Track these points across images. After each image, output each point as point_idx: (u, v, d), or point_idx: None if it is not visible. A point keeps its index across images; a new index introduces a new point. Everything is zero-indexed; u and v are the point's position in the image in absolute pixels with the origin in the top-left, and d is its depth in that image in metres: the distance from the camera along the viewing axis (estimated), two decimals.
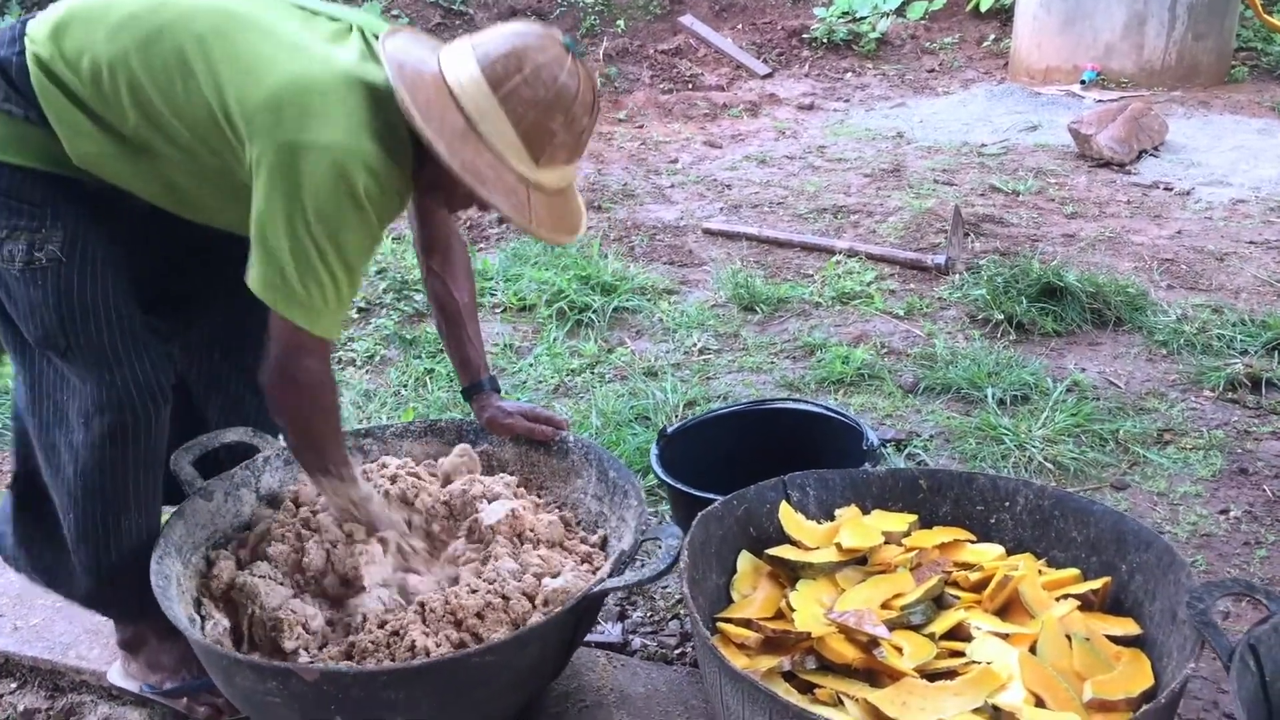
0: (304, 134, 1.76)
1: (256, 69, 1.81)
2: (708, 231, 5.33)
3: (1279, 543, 3.04)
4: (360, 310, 4.60)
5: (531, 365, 4.15)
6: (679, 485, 2.32)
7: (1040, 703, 1.75)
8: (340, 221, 1.79)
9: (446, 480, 2.25)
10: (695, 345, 4.27)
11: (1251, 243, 5.00)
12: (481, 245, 5.39)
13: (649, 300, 4.63)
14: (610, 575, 1.86)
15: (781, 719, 1.55)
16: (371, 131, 1.80)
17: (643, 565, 1.85)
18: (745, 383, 3.95)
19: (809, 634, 1.85)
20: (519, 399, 3.80)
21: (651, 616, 2.57)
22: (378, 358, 4.27)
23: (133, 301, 1.99)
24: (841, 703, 1.80)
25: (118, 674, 2.19)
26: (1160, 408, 3.70)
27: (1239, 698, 1.53)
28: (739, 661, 1.82)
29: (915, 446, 3.48)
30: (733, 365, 4.11)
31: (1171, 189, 5.71)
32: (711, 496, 2.19)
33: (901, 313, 4.42)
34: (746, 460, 2.49)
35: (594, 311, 4.45)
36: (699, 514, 2.00)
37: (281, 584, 1.97)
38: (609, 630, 2.49)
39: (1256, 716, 1.59)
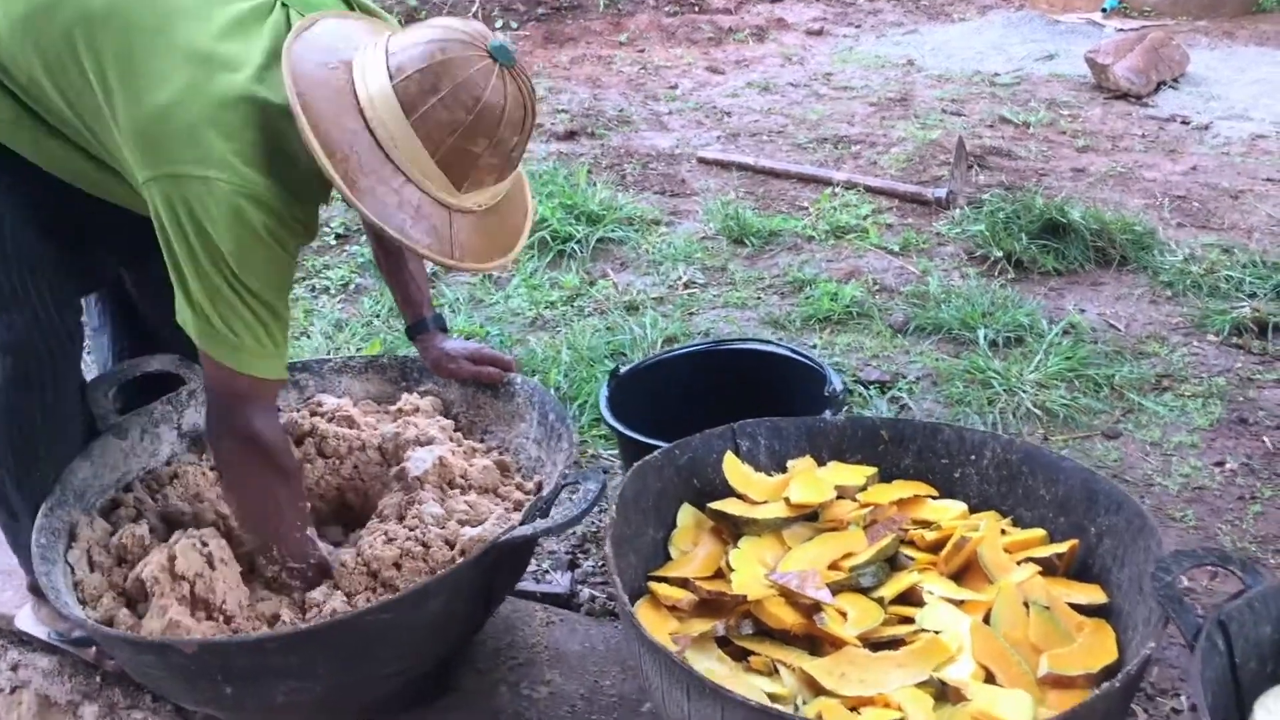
0: (188, 167, 1.58)
1: (140, 80, 1.62)
2: (702, 160, 5.14)
3: (1275, 498, 2.89)
4: (338, 236, 4.45)
5: (508, 297, 4.00)
6: (626, 430, 2.18)
7: (990, 677, 1.62)
8: (243, 259, 1.62)
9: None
10: (681, 279, 4.11)
11: (1269, 180, 4.78)
12: None
13: (636, 231, 4.47)
14: (523, 523, 1.73)
15: (698, 694, 1.42)
16: (263, 163, 1.61)
17: (566, 508, 1.71)
18: (729, 319, 3.80)
19: (745, 597, 1.71)
20: (486, 335, 3.66)
21: (602, 566, 2.45)
22: (352, 285, 4.13)
23: (44, 240, 1.84)
24: (777, 672, 1.68)
25: (27, 619, 2.09)
26: (1160, 352, 3.53)
27: (1201, 680, 1.40)
28: (668, 625, 1.70)
29: (899, 389, 3.33)
30: (718, 300, 3.95)
31: (1189, 123, 5.47)
32: (660, 444, 2.05)
33: (896, 248, 4.24)
34: (704, 404, 2.34)
35: (577, 242, 4.29)
36: (635, 465, 1.86)
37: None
38: (557, 580, 2.37)
39: (1221, 701, 1.45)
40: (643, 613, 1.70)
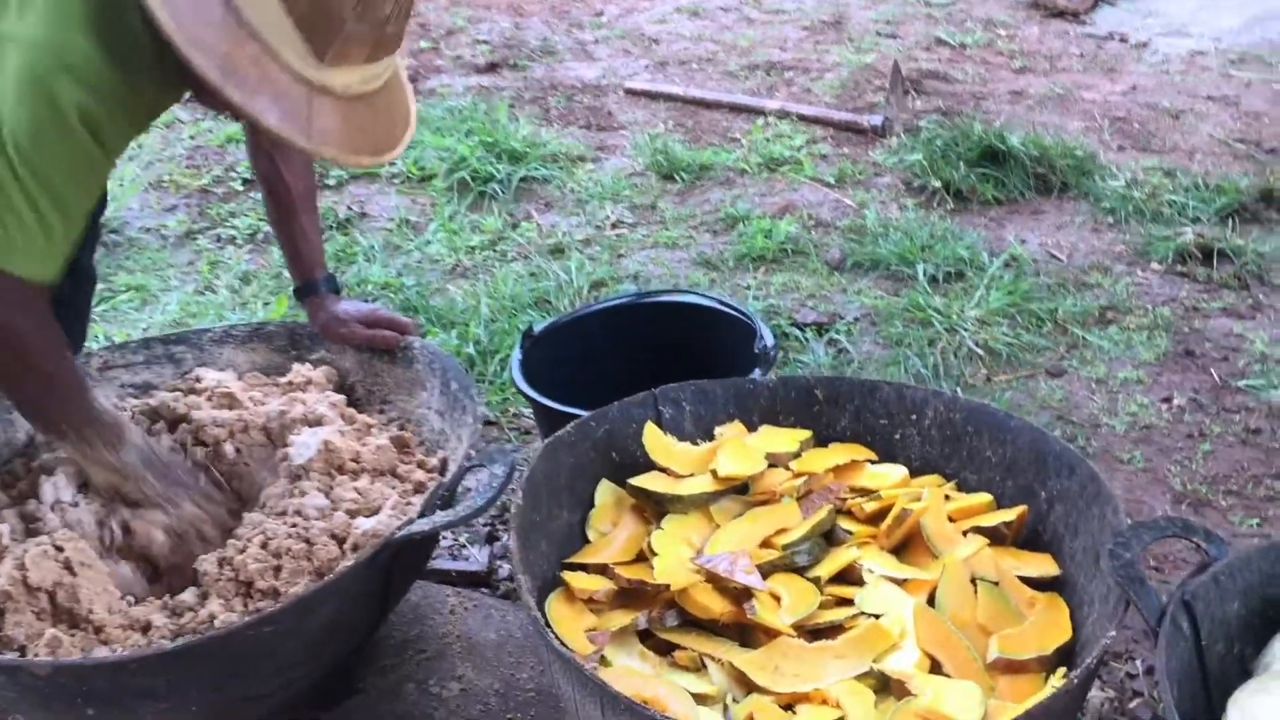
0: None
1: None
2: (630, 92, 4.91)
3: (1224, 435, 2.79)
4: (244, 181, 4.19)
5: (427, 243, 3.79)
6: (541, 398, 2.01)
7: (936, 666, 1.48)
8: (40, 143, 1.39)
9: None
10: (609, 218, 3.92)
11: (1209, 98, 4.66)
12: None
13: (561, 169, 4.25)
14: (421, 515, 1.55)
15: (613, 710, 1.27)
16: (85, 22, 1.38)
17: (469, 499, 1.54)
18: (659, 260, 3.63)
19: (669, 586, 1.56)
20: (402, 286, 3.45)
21: None
22: (260, 235, 3.88)
23: None
24: (705, 668, 1.53)
25: None
26: (1103, 283, 3.41)
27: (1167, 670, 1.26)
28: (583, 621, 1.54)
29: (837, 331, 3.17)
30: (647, 240, 3.77)
31: (1127, 40, 5.32)
32: (579, 412, 1.88)
33: (832, 180, 4.07)
34: (628, 363, 2.18)
35: (499, 182, 4.07)
36: (546, 442, 1.68)
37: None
38: (475, 556, 2.21)
39: (1188, 690, 1.32)
40: (555, 608, 1.54)
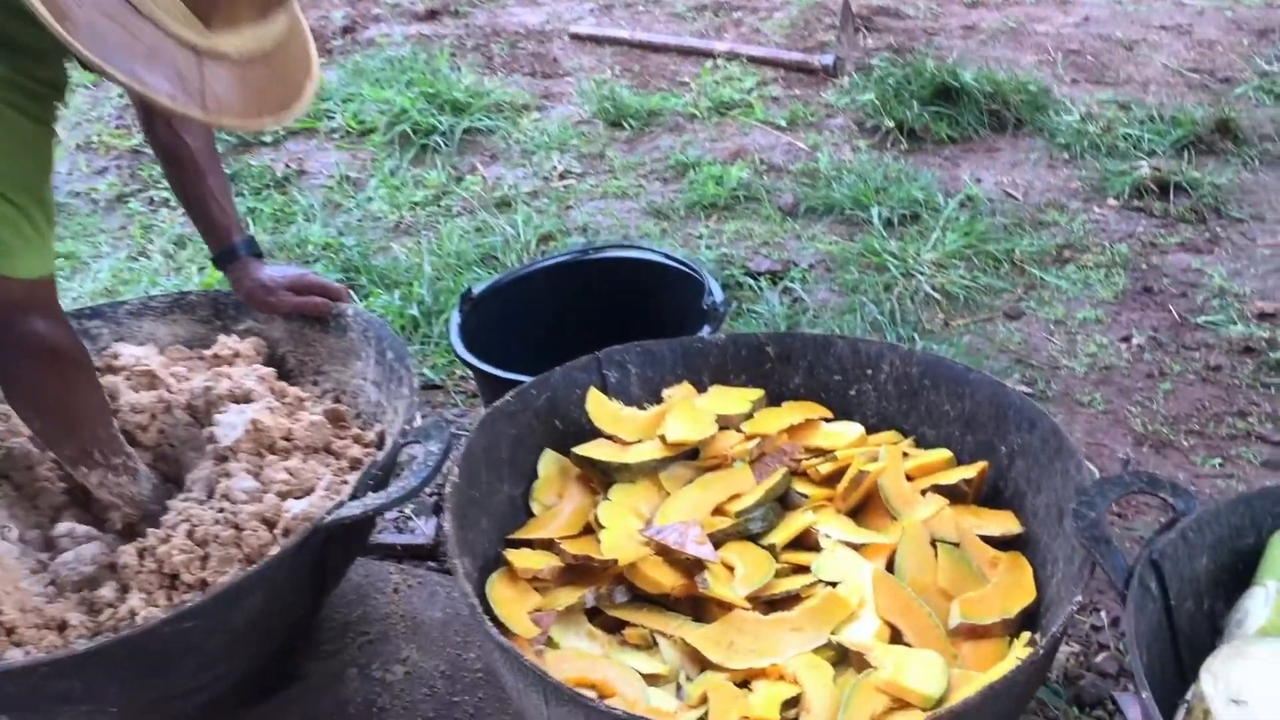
0: None
1: None
2: (575, 37, 4.78)
3: (1184, 373, 2.75)
4: None
5: (369, 199, 3.66)
6: (481, 365, 1.92)
7: (897, 635, 1.42)
8: None
9: None
10: (556, 169, 3.81)
11: (1162, 27, 4.59)
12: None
13: (506, 119, 4.13)
14: (354, 497, 1.46)
15: (557, 700, 1.20)
16: None
17: (404, 478, 1.45)
18: (608, 211, 3.53)
19: (616, 561, 1.48)
20: (342, 246, 3.33)
21: None
22: None
23: None
24: (656, 645, 1.46)
25: None
26: (1060, 221, 3.35)
27: (1135, 634, 1.21)
28: (528, 601, 1.46)
29: (792, 279, 3.10)
30: (596, 191, 3.67)
31: None
32: (520, 378, 1.80)
33: (783, 123, 3.97)
34: (573, 323, 2.09)
35: (442, 134, 3.94)
36: (484, 414, 1.60)
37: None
38: (421, 529, 2.13)
39: (1156, 652, 1.27)
40: (498, 589, 1.46)
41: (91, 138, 4.11)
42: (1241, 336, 2.84)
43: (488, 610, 1.42)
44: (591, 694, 1.38)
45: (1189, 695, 1.16)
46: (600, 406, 1.69)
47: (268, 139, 3.99)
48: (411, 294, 3.04)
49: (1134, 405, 2.65)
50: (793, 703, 1.35)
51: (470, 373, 2.60)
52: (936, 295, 3.03)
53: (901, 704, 1.32)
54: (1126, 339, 2.89)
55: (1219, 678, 1.14)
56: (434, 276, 3.11)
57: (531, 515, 1.64)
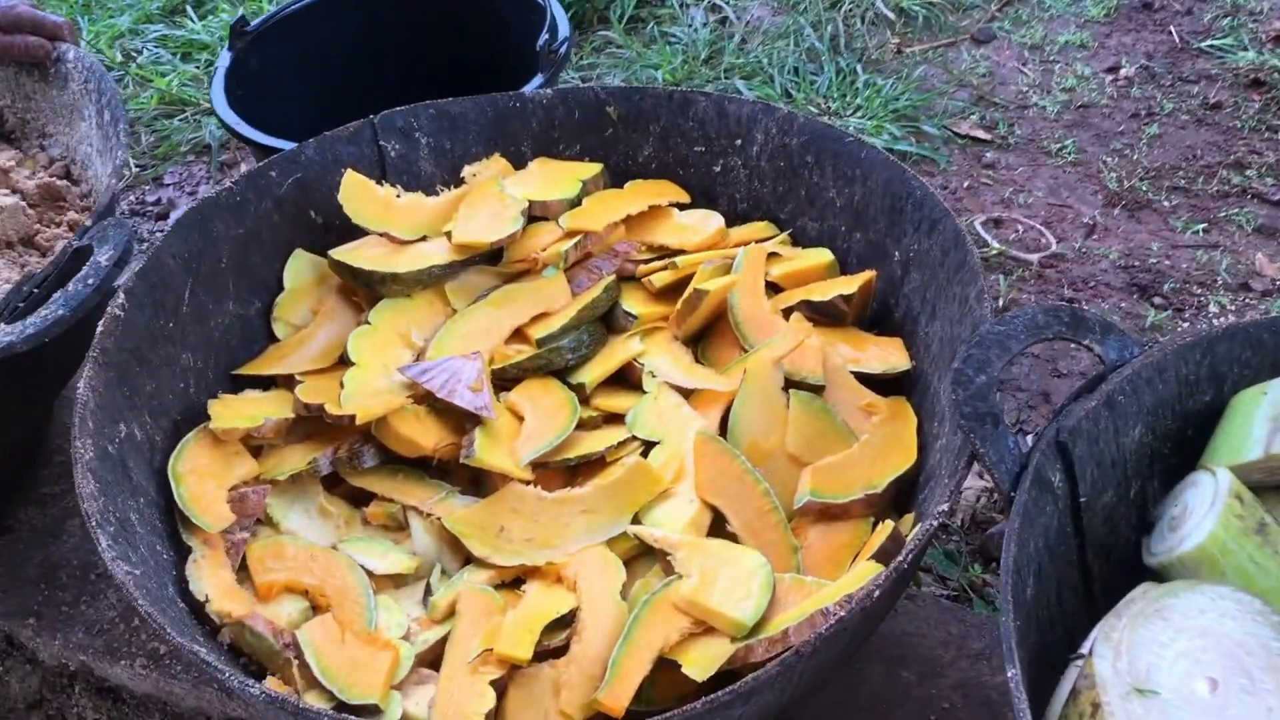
0: None
1: None
2: None
3: (1177, 113, 2.29)
4: None
5: None
6: (244, 129, 1.48)
7: (721, 525, 1.06)
8: None
9: None
10: None
11: None
12: None
13: None
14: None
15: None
16: None
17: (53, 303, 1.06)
18: None
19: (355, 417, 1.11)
20: None
21: None
22: None
23: None
24: (406, 526, 1.11)
25: None
26: None
27: (1011, 566, 0.84)
28: (231, 474, 1.09)
29: None
30: None
31: None
32: (286, 145, 1.38)
33: None
34: (390, 74, 1.63)
35: None
36: (183, 210, 1.18)
37: None
38: None
39: (1050, 577, 0.91)
40: (186, 460, 1.09)
41: None
42: (1250, 66, 2.35)
43: (171, 496, 1.06)
44: (302, 603, 1.05)
45: (1074, 675, 0.81)
46: (361, 194, 1.26)
47: None
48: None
49: (1111, 154, 2.22)
50: (566, 620, 1.00)
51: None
52: (890, 14, 2.52)
53: (706, 628, 0.97)
54: (1113, 69, 2.41)
55: (1120, 653, 0.78)
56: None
57: (272, 341, 1.25)
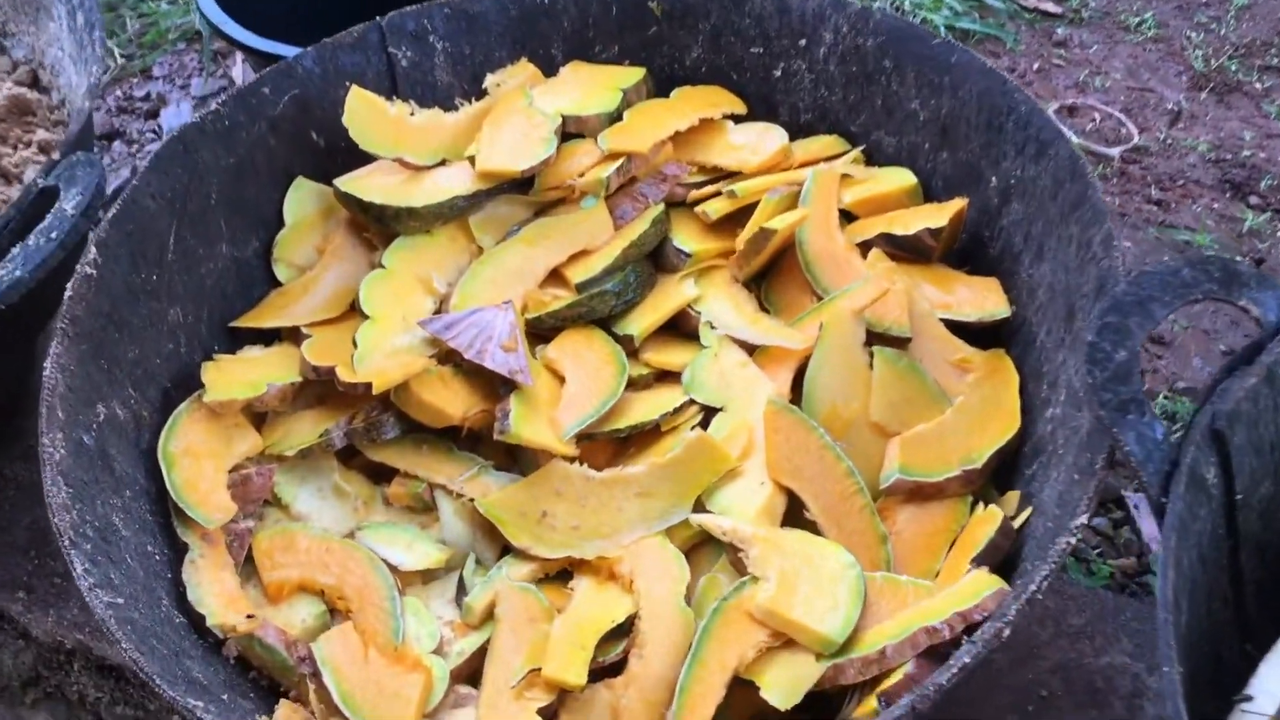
0: None
1: None
2: None
3: None
4: None
5: None
6: (231, 28, 1.29)
7: (798, 510, 0.92)
8: None
9: None
10: None
11: None
12: None
13: None
14: None
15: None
16: None
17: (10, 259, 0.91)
18: None
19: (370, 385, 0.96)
20: None
21: None
22: None
23: None
24: (435, 508, 0.97)
25: None
26: None
27: (1171, 578, 0.70)
28: (228, 450, 0.95)
29: None
30: None
31: None
32: (294, 51, 1.21)
33: None
34: None
35: None
36: (163, 140, 1.01)
37: None
38: None
39: (1208, 582, 0.77)
40: (177, 437, 0.94)
41: None
42: None
43: (161, 481, 0.92)
44: (318, 606, 0.91)
45: (1250, 705, 0.67)
46: (369, 114, 1.09)
47: None
48: None
49: (1196, 29, 2.00)
50: (622, 628, 0.87)
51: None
52: None
53: (786, 640, 0.84)
54: None
55: None
56: None
57: (277, 286, 1.10)
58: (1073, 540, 0.74)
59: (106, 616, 0.74)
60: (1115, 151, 1.78)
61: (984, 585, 0.80)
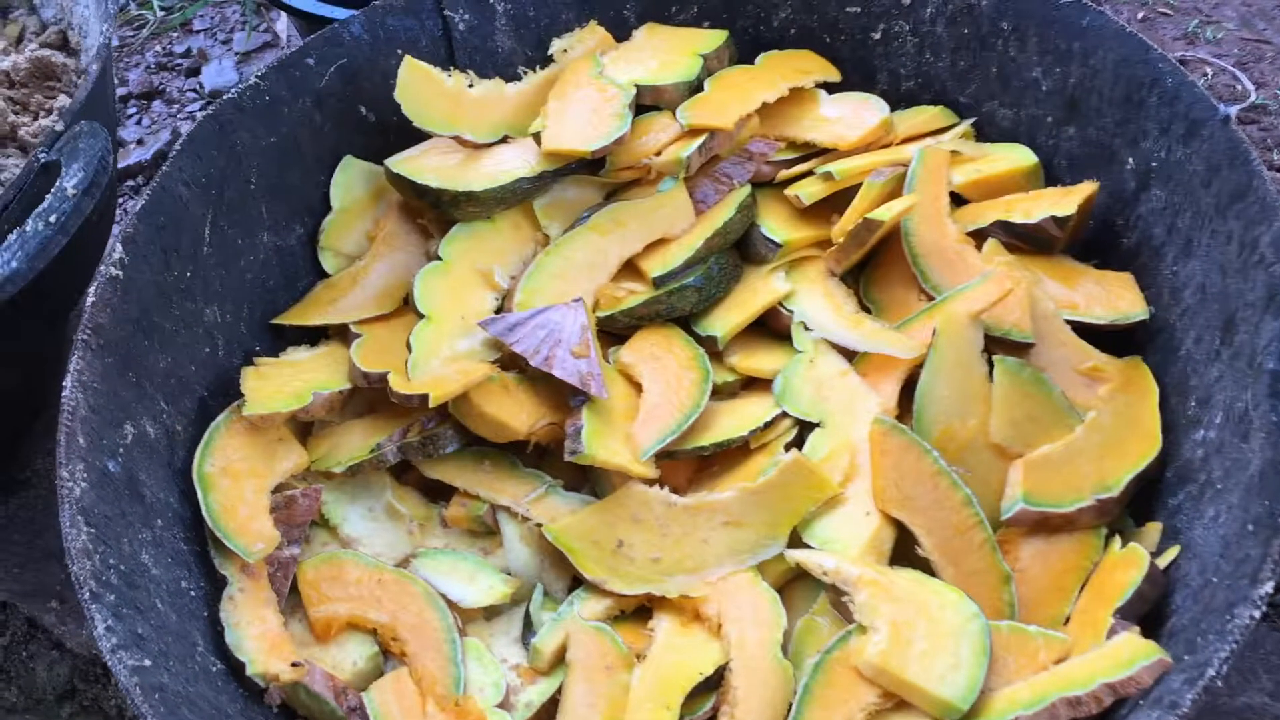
0: None
1: None
2: None
3: None
4: None
5: None
6: None
7: (908, 544, 0.81)
8: None
9: None
10: None
11: None
12: None
13: None
14: None
15: None
16: None
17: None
18: None
19: (428, 396, 0.85)
20: None
21: None
22: None
23: None
24: (497, 532, 0.87)
25: None
26: None
27: None
28: (271, 467, 0.86)
29: None
30: None
31: None
32: (341, 14, 1.10)
33: None
34: None
35: None
36: (198, 120, 0.90)
37: None
38: None
39: None
40: (215, 455, 0.85)
41: None
42: None
43: (197, 503, 0.83)
44: (370, 646, 0.82)
45: None
46: (423, 87, 0.97)
47: None
48: None
49: None
50: (711, 680, 0.77)
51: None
52: None
53: (899, 702, 0.73)
54: None
55: None
56: None
57: (323, 277, 0.99)
58: (1257, 614, 0.62)
59: (131, 685, 0.65)
60: (1231, 111, 1.63)
61: (1138, 653, 0.69)
